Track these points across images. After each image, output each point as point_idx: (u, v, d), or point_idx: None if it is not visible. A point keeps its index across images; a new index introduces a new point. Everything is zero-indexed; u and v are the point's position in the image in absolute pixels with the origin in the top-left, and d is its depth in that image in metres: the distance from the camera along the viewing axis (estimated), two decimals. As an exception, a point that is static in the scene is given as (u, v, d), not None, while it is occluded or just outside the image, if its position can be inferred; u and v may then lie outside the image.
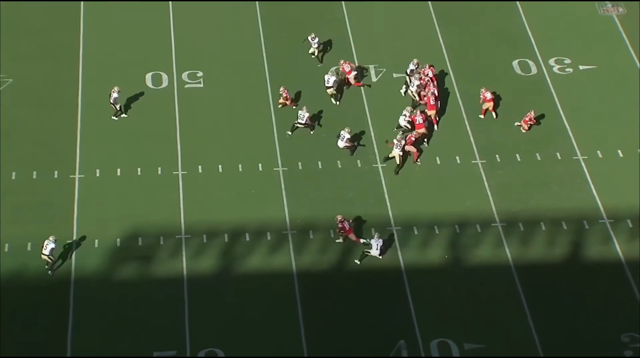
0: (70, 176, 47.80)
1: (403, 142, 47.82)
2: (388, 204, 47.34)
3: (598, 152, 49.41)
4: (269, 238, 45.41)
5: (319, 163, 49.12)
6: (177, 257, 44.49)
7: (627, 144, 50.17)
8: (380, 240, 43.58)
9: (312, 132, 50.63)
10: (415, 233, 45.80)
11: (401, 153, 47.96)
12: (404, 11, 58.06)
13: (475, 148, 49.85)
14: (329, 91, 51.99)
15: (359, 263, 43.59)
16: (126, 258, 44.49)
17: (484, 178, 48.33)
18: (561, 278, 44.13)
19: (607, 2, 57.91)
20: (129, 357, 40.33)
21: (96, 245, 44.69)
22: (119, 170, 48.16)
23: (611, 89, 53.09)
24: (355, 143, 49.71)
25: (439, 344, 41.04)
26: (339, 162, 49.12)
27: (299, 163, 49.04)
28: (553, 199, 47.56)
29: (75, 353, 40.70)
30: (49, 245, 42.69)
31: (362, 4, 58.54)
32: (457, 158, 49.30)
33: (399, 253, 44.96)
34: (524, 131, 50.17)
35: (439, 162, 49.17)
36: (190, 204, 47.03)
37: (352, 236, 44.36)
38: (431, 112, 50.68)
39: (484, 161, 49.16)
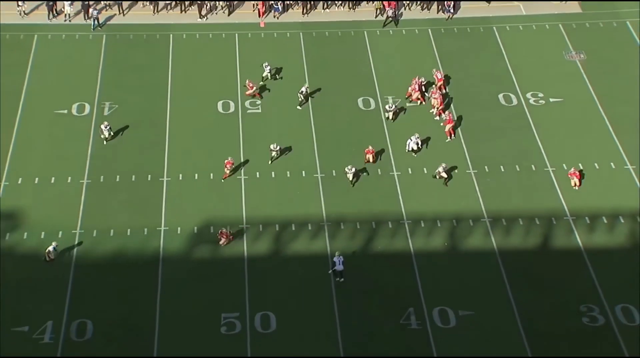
0: (160, 179, 48.79)
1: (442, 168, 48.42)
2: (401, 202, 47.80)
3: (563, 165, 49.77)
4: (309, 228, 46.34)
5: (365, 170, 49.62)
6: (240, 241, 45.45)
7: (586, 159, 50.46)
8: (341, 257, 43.34)
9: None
10: (422, 225, 46.44)
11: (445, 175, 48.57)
12: (415, 54, 58.41)
13: (469, 161, 50.38)
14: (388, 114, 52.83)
15: (330, 272, 43.57)
16: (201, 242, 45.42)
17: (475, 184, 49.05)
18: (535, 261, 44.84)
19: (572, 50, 58.12)
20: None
21: (179, 232, 45.81)
22: (196, 175, 49.03)
23: (574, 116, 53.56)
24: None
25: (440, 311, 42.14)
26: (366, 171, 49.60)
27: (333, 171, 49.53)
28: (528, 200, 48.13)
29: (164, 317, 41.66)
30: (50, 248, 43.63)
31: (385, 52, 58.55)
32: (455, 169, 49.70)
33: (409, 241, 45.55)
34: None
35: (456, 171, 49.65)
36: (249, 202, 47.64)
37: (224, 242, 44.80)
38: (448, 126, 51.56)
39: (476, 171, 49.82)
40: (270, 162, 50.08)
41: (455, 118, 53.04)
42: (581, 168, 49.80)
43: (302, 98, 53.41)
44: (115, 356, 40.21)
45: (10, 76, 55.84)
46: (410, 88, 53.67)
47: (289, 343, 41.07)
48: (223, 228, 44.78)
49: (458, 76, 56.39)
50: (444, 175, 48.51)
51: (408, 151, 50.03)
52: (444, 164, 48.51)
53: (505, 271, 44.60)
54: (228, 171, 48.91)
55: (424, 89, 53.85)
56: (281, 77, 56.47)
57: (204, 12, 61.42)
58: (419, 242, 45.98)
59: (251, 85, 53.74)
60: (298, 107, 52.76)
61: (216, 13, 61.86)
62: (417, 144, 49.97)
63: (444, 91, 54.25)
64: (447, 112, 52.86)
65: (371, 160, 49.66)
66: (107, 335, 41.19)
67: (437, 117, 52.73)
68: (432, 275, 44.29)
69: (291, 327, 41.77)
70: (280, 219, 47.06)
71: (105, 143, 50.92)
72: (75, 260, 44.58)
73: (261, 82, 54.07)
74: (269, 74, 54.94)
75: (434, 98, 53.05)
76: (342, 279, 43.38)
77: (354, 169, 48.62)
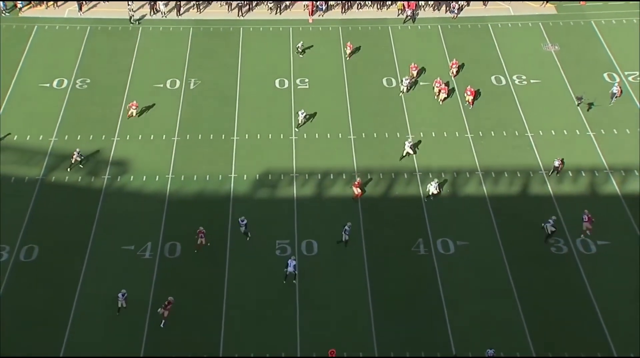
0: (231, 138, 48.59)
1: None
2: (414, 158, 47.21)
3: (540, 131, 49.30)
4: (344, 177, 46.03)
5: (374, 134, 49.04)
6: (290, 186, 45.44)
7: (557, 127, 49.66)
8: (294, 261, 40.07)
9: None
10: (430, 176, 45.84)
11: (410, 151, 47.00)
12: (428, 45, 57.65)
13: (467, 127, 49.68)
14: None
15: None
16: (261, 186, 45.45)
17: (472, 145, 48.39)
18: (516, 204, 44.58)
19: (548, 43, 57.15)
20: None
21: (245, 178, 45.85)
22: (258, 135, 48.76)
23: (549, 94, 52.50)
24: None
25: (442, 241, 42.29)
26: (386, 133, 49.12)
27: (363, 134, 49.03)
28: (512, 158, 47.46)
29: (233, 241, 42.04)
30: None
31: (404, 43, 57.67)
32: (456, 132, 49.30)
33: (420, 188, 45.27)
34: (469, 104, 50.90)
35: (445, 135, 49.04)
36: (298, 156, 47.29)
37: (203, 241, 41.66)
38: (469, 98, 50.96)
39: (472, 135, 49.13)
40: (297, 127, 49.32)
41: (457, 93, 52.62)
42: (553, 133, 49.26)
43: (301, 121, 49.88)
44: (197, 270, 40.85)
45: (121, 58, 55.96)
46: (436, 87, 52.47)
47: (326, 264, 41.34)
48: (201, 226, 42.05)
49: (460, 62, 55.29)
50: (410, 151, 47.27)
51: (428, 195, 45.45)
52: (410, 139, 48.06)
53: (493, 212, 44.37)
54: (359, 190, 45.16)
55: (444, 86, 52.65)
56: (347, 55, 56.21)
57: (269, 10, 61.18)
58: (427, 190, 45.41)
59: (135, 106, 50.29)
60: (296, 129, 49.98)
61: (278, 12, 61.44)
62: (436, 188, 45.28)
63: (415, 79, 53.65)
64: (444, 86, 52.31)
65: (357, 193, 45.03)
66: (192, 253, 41.72)
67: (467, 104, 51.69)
68: (437, 214, 44.06)
69: (328, 252, 41.98)
70: (322, 169, 46.87)
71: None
72: (168, 198, 44.92)
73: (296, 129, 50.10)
74: (303, 120, 49.87)
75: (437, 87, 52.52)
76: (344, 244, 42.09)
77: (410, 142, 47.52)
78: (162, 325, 37.49)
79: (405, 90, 52.14)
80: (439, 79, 52.28)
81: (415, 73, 53.35)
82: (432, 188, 44.76)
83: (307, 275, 40.42)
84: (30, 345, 36.96)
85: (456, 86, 53.13)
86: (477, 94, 51.73)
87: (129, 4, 60.28)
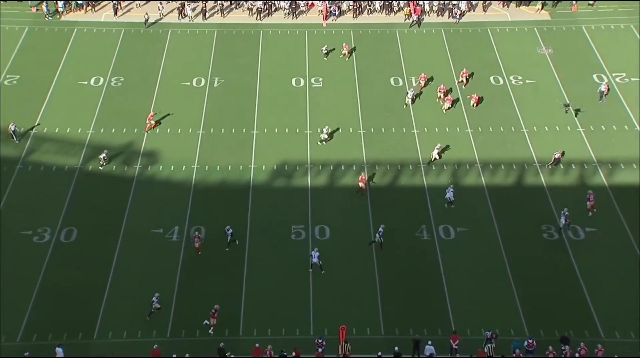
0: (251, 132, 48.35)
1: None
2: (419, 152, 46.71)
3: (534, 127, 48.76)
4: (354, 168, 45.68)
5: (382, 129, 48.68)
6: (305, 176, 45.26)
7: (550, 123, 49.03)
8: (317, 253, 39.42)
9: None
10: (433, 168, 45.60)
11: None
12: (432, 48, 57.23)
13: (467, 123, 49.15)
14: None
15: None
16: (278, 176, 45.29)
17: (472, 139, 47.88)
18: (511, 194, 44.19)
19: (543, 46, 56.58)
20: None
21: (263, 169, 45.65)
22: (276, 129, 48.55)
23: (543, 93, 51.88)
24: None
25: (444, 228, 41.98)
26: (393, 128, 48.78)
27: (372, 128, 48.74)
28: (509, 152, 46.98)
29: (253, 224, 41.82)
30: None
31: (410, 46, 57.24)
32: (457, 128, 48.81)
33: (424, 179, 44.93)
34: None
35: (447, 130, 48.55)
36: (312, 148, 47.09)
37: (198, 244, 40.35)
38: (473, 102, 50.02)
39: (472, 131, 48.58)
40: (320, 142, 47.49)
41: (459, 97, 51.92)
42: (546, 129, 48.85)
43: (324, 137, 47.91)
44: (220, 251, 40.75)
45: (152, 58, 55.90)
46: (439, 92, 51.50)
47: (338, 246, 41.18)
48: (197, 232, 41.38)
49: (462, 64, 54.87)
50: (437, 157, 46.23)
51: (431, 160, 46.16)
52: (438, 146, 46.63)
53: (490, 201, 44.00)
54: (363, 184, 44.49)
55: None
56: (344, 55, 55.77)
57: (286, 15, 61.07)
58: (430, 180, 45.36)
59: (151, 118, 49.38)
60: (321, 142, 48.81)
61: (295, 16, 61.20)
62: (438, 154, 46.15)
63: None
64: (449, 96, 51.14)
65: (362, 186, 44.40)
66: (215, 237, 41.45)
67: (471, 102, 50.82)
68: (439, 202, 43.70)
69: (340, 235, 41.82)
70: (334, 161, 46.56)
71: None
72: (193, 186, 44.83)
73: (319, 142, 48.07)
74: (326, 136, 47.90)
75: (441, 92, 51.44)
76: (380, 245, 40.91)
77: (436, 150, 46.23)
78: (210, 332, 36.62)
79: (410, 102, 50.72)
80: (442, 86, 51.44)
81: (423, 83, 52.09)
82: (435, 154, 45.43)
83: (319, 258, 40.11)
84: (67, 321, 37.05)
85: (460, 95, 52.23)
86: (480, 100, 50.71)
87: (159, 8, 60.37)
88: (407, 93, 50.73)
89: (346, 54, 55.77)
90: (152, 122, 48.73)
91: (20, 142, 47.35)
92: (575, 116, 49.21)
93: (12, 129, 47.21)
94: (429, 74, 53.28)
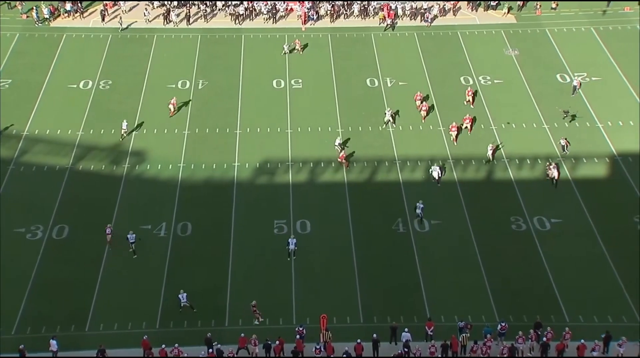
0: (234, 131, 48.14)
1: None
2: (394, 149, 46.67)
3: (502, 125, 48.71)
4: (332, 165, 45.45)
5: (359, 127, 48.53)
6: (287, 173, 45.04)
7: (518, 120, 49.09)
8: (294, 239, 39.75)
9: None
10: (408, 164, 45.55)
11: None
12: (405, 50, 57.21)
13: (440, 121, 48.82)
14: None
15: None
16: (262, 173, 45.01)
17: (444, 136, 47.60)
18: (481, 188, 44.24)
19: (509, 48, 56.81)
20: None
21: (247, 166, 45.35)
22: (258, 129, 48.23)
23: (510, 93, 52.01)
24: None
25: (418, 221, 41.70)
26: (370, 127, 48.53)
27: (349, 127, 48.48)
28: (478, 147, 46.54)
29: (237, 218, 41.60)
30: None
31: (385, 48, 57.16)
32: (430, 126, 48.49)
33: (399, 175, 44.76)
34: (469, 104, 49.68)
35: (421, 128, 48.42)
36: (293, 147, 46.88)
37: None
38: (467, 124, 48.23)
39: (444, 128, 48.14)
40: (339, 159, 45.86)
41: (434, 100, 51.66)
42: (514, 127, 49.03)
43: (338, 151, 46.73)
44: (206, 244, 40.60)
45: (138, 62, 55.50)
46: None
47: (319, 240, 41.05)
48: (109, 224, 40.66)
49: (434, 65, 55.19)
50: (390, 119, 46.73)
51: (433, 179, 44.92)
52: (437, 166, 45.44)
53: (462, 195, 44.00)
54: (344, 160, 45.48)
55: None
56: (297, 50, 55.98)
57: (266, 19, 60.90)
58: (405, 176, 45.31)
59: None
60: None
61: (275, 21, 60.99)
62: (439, 172, 45.02)
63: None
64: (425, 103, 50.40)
65: (344, 163, 45.47)
66: (200, 232, 41.44)
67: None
68: (414, 197, 43.44)
69: (320, 230, 41.72)
70: (314, 159, 46.44)
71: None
72: (180, 184, 44.56)
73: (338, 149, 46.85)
74: (339, 147, 46.68)
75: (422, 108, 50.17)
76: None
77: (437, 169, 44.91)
78: (256, 323, 36.45)
79: (391, 120, 48.94)
80: (419, 93, 50.97)
81: (423, 108, 49.69)
82: (435, 173, 44.52)
83: (301, 251, 39.95)
84: (60, 314, 36.70)
85: (430, 87, 52.49)
86: (474, 121, 48.88)
87: (144, 14, 60.10)
88: (385, 112, 49.23)
89: (299, 49, 55.86)
90: (174, 107, 49.00)
91: (12, 143, 46.74)
92: (571, 121, 48.89)
93: None
94: (406, 79, 53.41)
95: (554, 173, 44.16)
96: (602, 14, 61.35)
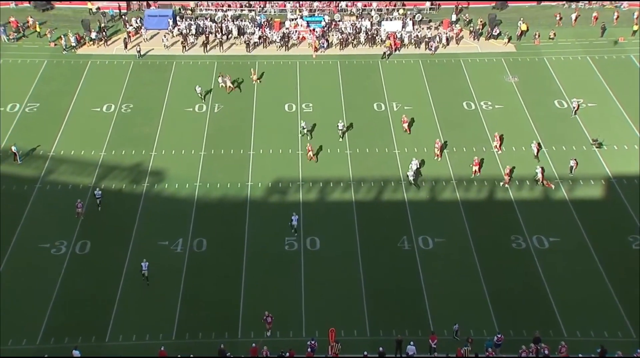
0: (248, 152, 48.20)
1: None
2: (400, 169, 46.62)
3: (503, 147, 48.54)
4: (341, 185, 45.51)
5: (367, 149, 48.53)
6: (297, 192, 44.96)
7: (517, 143, 48.99)
8: (296, 216, 41.84)
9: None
10: (412, 186, 46.49)
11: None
12: (410, 76, 57.29)
13: (441, 134, 48.64)
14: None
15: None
16: (274, 192, 44.92)
17: (447, 159, 47.66)
18: (483, 208, 43.95)
19: (509, 75, 56.84)
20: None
21: (259, 186, 45.36)
22: (270, 150, 48.23)
23: (510, 117, 51.92)
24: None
25: (422, 238, 41.72)
26: (376, 149, 48.60)
27: (357, 149, 48.59)
28: (481, 169, 46.43)
29: (250, 237, 41.60)
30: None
31: (391, 75, 57.33)
32: (435, 149, 48.37)
33: (405, 195, 44.77)
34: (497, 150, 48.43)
35: (425, 151, 48.20)
36: (304, 167, 46.82)
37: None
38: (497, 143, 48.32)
39: (448, 151, 48.32)
40: (301, 135, 49.24)
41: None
42: (514, 149, 48.92)
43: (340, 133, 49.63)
44: (220, 260, 40.54)
45: (158, 87, 55.92)
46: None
47: (328, 257, 41.01)
48: (79, 199, 42.91)
49: (438, 90, 55.36)
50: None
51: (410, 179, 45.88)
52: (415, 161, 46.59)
53: (465, 213, 43.88)
54: (312, 154, 47.37)
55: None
56: (255, 81, 55.90)
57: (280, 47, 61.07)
58: (410, 195, 45.27)
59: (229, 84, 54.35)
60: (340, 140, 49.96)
61: (287, 48, 61.48)
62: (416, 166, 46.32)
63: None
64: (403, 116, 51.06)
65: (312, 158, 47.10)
66: (215, 248, 41.42)
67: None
68: (418, 215, 43.63)
69: (329, 247, 41.57)
70: (323, 178, 46.45)
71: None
72: (196, 201, 44.67)
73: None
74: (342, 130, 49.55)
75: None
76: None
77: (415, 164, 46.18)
78: (268, 334, 36.33)
79: (340, 134, 49.59)
80: (404, 116, 51.00)
81: (439, 152, 48.92)
82: (412, 170, 45.57)
83: (310, 266, 39.98)
84: (81, 325, 36.76)
85: (434, 108, 52.90)
86: (481, 164, 47.31)
87: (163, 41, 60.91)
88: (338, 125, 49.73)
89: (254, 79, 55.62)
90: (231, 85, 51.86)
91: (39, 163, 47.15)
92: (598, 147, 48.73)
93: (14, 150, 47.11)
94: (412, 104, 53.44)
95: (538, 175, 45.24)
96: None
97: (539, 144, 48.39)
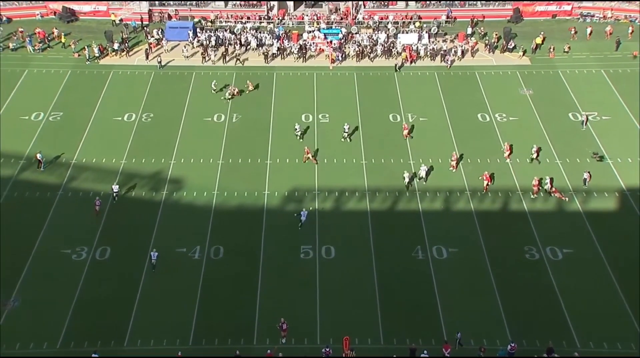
0: (265, 162, 48.40)
1: None
2: (415, 182, 47.63)
3: (517, 159, 48.45)
4: (356, 194, 45.57)
5: (382, 159, 48.63)
6: (313, 201, 45.02)
7: (527, 148, 48.82)
8: (305, 211, 42.87)
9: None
10: (427, 195, 45.34)
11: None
12: (426, 88, 57.36)
13: (457, 154, 48.45)
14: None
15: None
16: (290, 201, 45.10)
17: (462, 170, 47.69)
18: (497, 219, 43.67)
19: (524, 88, 56.70)
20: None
21: (276, 195, 45.48)
22: (287, 159, 48.50)
23: (525, 129, 51.80)
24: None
25: (437, 248, 41.62)
26: (391, 159, 48.67)
27: (372, 159, 48.70)
28: (495, 180, 46.46)
29: (266, 244, 41.59)
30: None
31: (407, 86, 57.43)
32: (449, 160, 48.37)
33: (419, 205, 44.66)
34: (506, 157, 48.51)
35: (440, 161, 48.40)
36: (320, 177, 47.04)
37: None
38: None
39: (462, 161, 48.40)
40: (298, 138, 50.24)
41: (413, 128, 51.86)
42: (528, 161, 48.75)
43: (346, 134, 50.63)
44: (237, 267, 40.65)
45: (178, 97, 56.31)
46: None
47: (343, 265, 40.96)
48: (97, 197, 44.16)
49: (453, 102, 55.27)
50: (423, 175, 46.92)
51: (420, 177, 46.97)
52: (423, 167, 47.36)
53: (479, 224, 43.69)
54: (310, 156, 48.33)
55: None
56: (250, 91, 56.14)
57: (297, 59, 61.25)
58: (424, 206, 45.19)
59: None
60: (342, 139, 50.73)
61: (305, 60, 61.66)
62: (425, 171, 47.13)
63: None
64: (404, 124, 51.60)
65: (309, 157, 47.86)
66: (232, 255, 41.51)
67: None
68: (432, 226, 43.55)
69: (344, 255, 41.55)
70: (339, 188, 46.51)
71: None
72: (213, 209, 44.79)
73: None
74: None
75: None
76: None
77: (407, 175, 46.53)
78: (283, 341, 36.38)
79: (347, 136, 50.40)
80: (405, 124, 51.42)
81: (455, 164, 49.15)
82: (422, 172, 46.53)
83: (325, 274, 40.00)
84: (101, 330, 36.96)
85: (449, 121, 52.46)
86: (492, 180, 46.96)
87: (183, 51, 61.56)
88: (344, 127, 50.70)
89: (250, 89, 55.90)
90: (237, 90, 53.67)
91: (62, 171, 47.61)
92: (598, 161, 48.61)
93: (39, 157, 47.60)
94: (427, 115, 53.58)
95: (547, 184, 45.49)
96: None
97: (539, 148, 48.71)
